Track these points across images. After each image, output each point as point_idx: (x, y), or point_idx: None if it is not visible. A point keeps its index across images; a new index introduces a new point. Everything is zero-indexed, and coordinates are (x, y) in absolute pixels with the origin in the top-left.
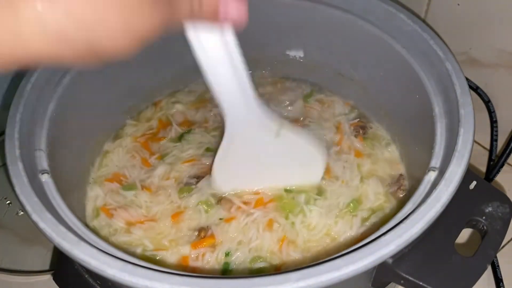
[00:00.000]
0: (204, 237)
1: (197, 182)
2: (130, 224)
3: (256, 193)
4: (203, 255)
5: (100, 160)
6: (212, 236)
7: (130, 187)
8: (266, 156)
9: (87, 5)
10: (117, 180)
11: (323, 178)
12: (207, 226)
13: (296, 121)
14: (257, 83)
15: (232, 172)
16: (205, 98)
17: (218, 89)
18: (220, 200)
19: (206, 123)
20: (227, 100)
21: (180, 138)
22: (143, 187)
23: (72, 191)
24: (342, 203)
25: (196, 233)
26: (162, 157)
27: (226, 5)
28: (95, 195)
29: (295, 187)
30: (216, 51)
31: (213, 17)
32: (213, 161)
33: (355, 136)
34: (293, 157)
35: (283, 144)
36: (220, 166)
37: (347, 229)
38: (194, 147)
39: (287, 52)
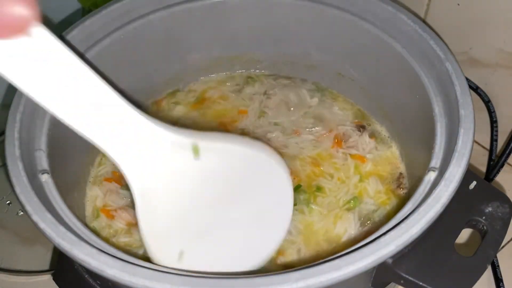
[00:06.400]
0: None
1: None
2: (130, 225)
3: None
4: None
5: (100, 159)
6: None
7: None
8: (201, 199)
9: None
10: (116, 180)
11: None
12: None
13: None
14: (257, 82)
15: (170, 242)
16: (204, 97)
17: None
18: None
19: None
20: (97, 132)
21: None
22: None
23: (72, 191)
24: (342, 201)
25: None
26: None
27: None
28: (94, 195)
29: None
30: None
31: None
32: None
33: (357, 134)
34: (239, 184)
35: (211, 167)
36: (150, 237)
37: (347, 227)
38: None
39: (287, 52)
